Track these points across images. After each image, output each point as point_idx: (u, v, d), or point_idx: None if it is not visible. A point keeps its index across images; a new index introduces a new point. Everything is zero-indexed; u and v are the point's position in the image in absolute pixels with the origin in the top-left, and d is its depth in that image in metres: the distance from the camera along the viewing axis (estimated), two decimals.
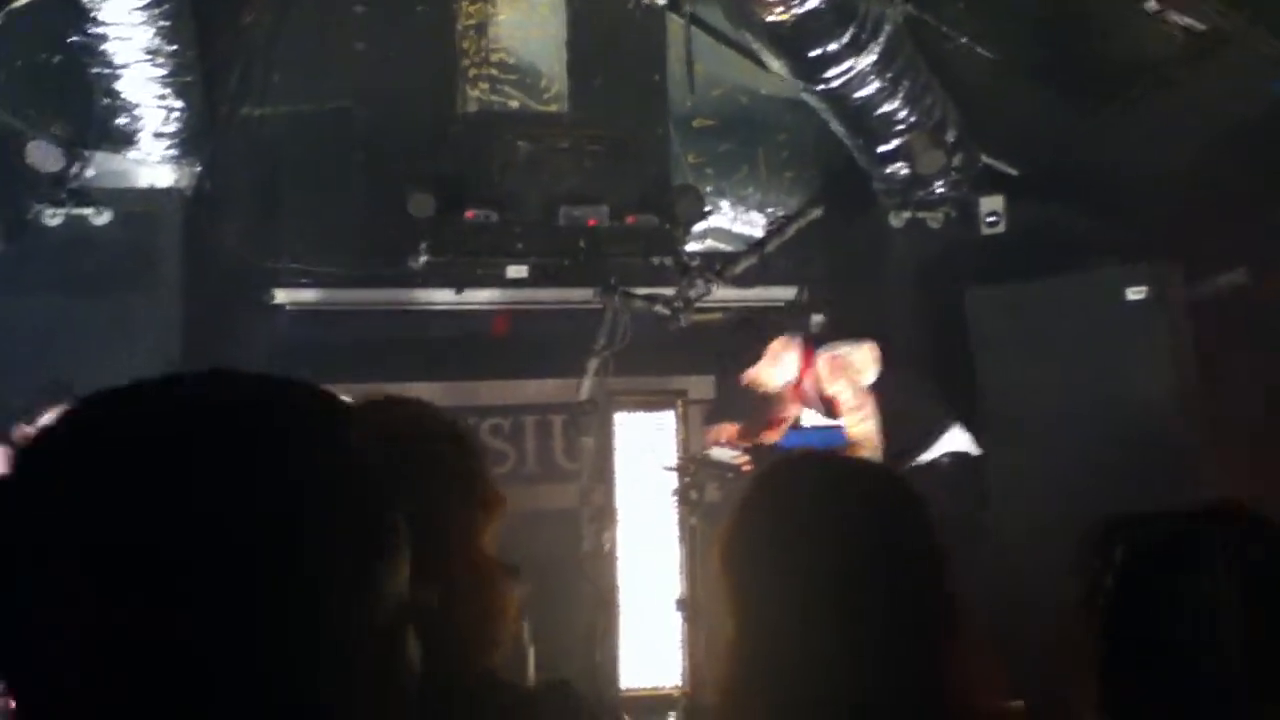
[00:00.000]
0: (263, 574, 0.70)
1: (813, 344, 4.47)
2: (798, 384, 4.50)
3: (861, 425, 4.25)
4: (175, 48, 4.66)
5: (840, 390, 4.32)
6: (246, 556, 0.69)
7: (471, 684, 1.26)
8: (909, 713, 1.27)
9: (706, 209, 5.66)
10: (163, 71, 4.71)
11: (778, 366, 4.46)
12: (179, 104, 4.86)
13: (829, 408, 4.45)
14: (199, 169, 5.09)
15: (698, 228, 5.74)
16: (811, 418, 4.73)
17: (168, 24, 4.56)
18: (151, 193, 4.95)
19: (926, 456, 4.30)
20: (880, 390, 4.34)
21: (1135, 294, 4.46)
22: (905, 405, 4.32)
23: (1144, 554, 1.32)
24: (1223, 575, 1.27)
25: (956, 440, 4.37)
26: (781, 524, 1.35)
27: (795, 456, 1.58)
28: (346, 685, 0.73)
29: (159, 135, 4.91)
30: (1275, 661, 1.24)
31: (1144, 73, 4.86)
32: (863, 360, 4.36)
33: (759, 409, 4.72)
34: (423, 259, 5.26)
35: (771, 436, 4.67)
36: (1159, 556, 1.31)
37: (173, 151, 4.98)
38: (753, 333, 4.59)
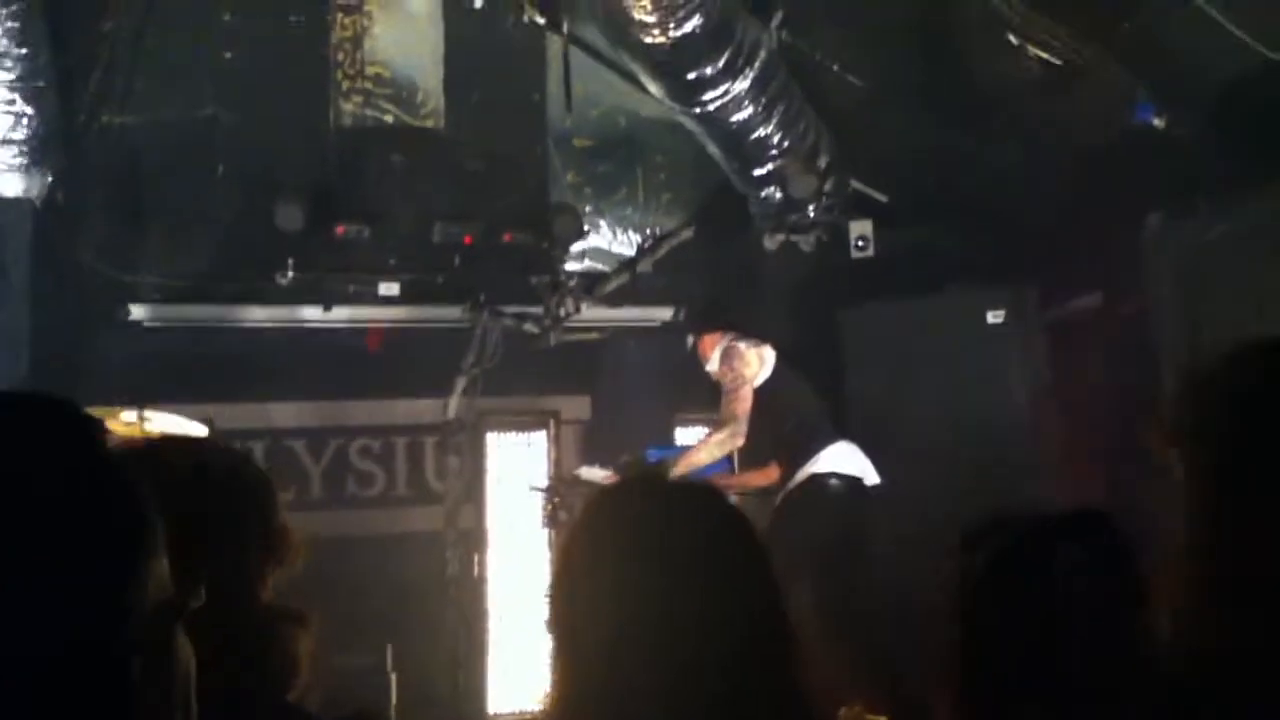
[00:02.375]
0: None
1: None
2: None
3: (730, 406, 4.28)
4: (25, 51, 4.44)
5: (723, 374, 4.40)
6: None
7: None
8: None
9: (585, 228, 5.65)
10: (11, 76, 4.48)
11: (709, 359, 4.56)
12: (29, 110, 4.62)
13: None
14: (50, 178, 4.86)
15: (576, 247, 5.72)
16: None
17: (16, 25, 4.34)
18: None
19: (815, 470, 4.33)
20: (769, 399, 4.40)
21: (994, 316, 4.62)
22: (795, 419, 4.39)
23: (996, 561, 1.39)
24: (1066, 580, 1.33)
25: (849, 463, 4.40)
26: (609, 549, 1.34)
27: (623, 483, 1.57)
28: (106, 670, 0.74)
29: (7, 142, 4.65)
30: (1117, 660, 1.29)
31: (1007, 103, 5.04)
32: (753, 357, 4.41)
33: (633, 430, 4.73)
34: (290, 274, 5.12)
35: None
36: (1010, 563, 1.38)
37: (22, 160, 4.73)
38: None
